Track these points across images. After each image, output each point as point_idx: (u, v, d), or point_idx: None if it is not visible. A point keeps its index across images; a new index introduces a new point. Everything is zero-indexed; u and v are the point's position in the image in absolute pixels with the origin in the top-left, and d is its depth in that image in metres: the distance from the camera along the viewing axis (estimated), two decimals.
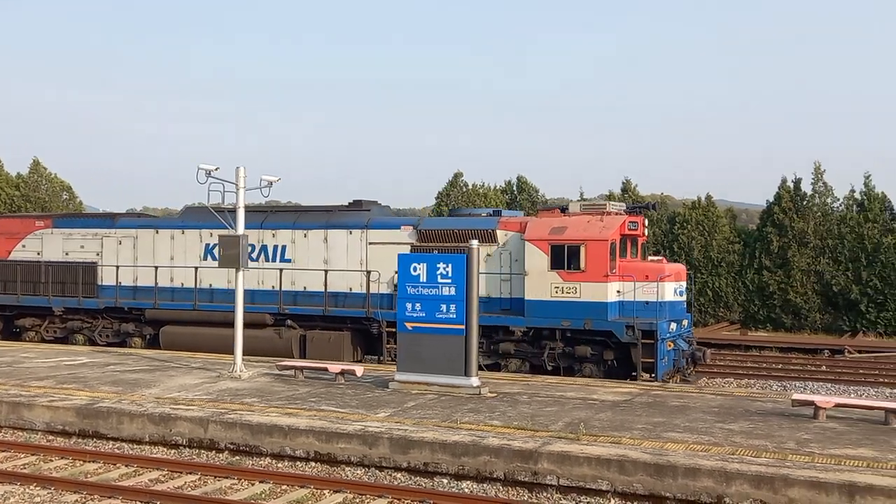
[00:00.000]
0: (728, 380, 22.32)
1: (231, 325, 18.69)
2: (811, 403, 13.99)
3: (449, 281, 15.81)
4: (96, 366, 19.21)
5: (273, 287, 22.15)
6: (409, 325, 16.16)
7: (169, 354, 21.37)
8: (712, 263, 37.22)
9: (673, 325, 19.21)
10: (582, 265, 19.02)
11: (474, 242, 16.14)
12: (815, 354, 27.85)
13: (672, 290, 19.56)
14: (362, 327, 21.39)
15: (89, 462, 12.81)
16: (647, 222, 20.79)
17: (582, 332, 19.11)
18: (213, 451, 13.38)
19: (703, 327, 34.97)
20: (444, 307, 15.81)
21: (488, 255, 20.28)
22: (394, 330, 18.03)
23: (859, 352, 27.81)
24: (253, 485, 11.68)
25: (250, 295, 22.40)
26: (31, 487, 11.50)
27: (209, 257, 22.82)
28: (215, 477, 11.99)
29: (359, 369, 17.52)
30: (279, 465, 12.84)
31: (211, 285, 22.92)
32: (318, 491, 11.37)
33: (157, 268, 23.33)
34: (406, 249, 20.52)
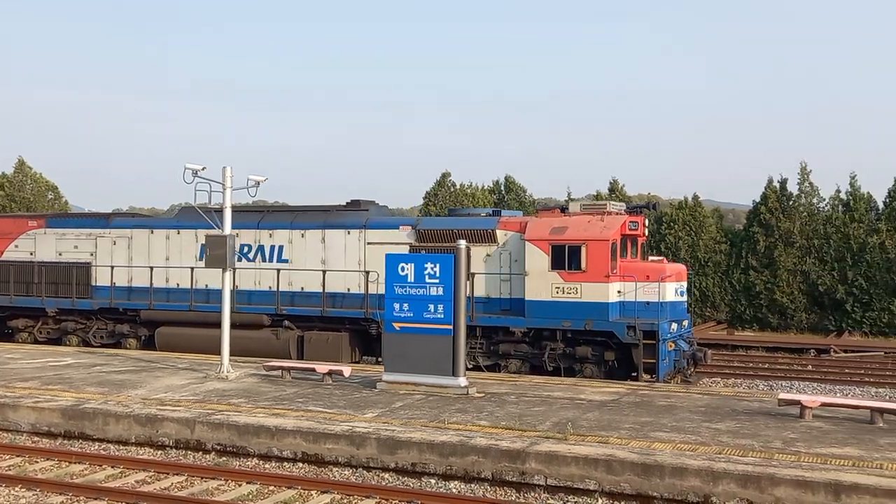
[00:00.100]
0: (715, 379, 22.40)
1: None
2: (797, 403, 14.06)
3: (437, 281, 15.79)
4: (82, 367, 19.10)
5: (270, 287, 21.97)
6: (396, 326, 16.15)
7: (156, 355, 21.25)
8: (699, 263, 37.33)
9: (674, 326, 19.19)
10: (583, 265, 18.96)
11: (462, 243, 16.12)
12: (801, 354, 27.98)
13: (673, 290, 19.55)
14: (360, 328, 21.30)
15: (75, 463, 12.73)
16: (647, 222, 20.79)
17: (583, 333, 19.04)
18: (200, 452, 13.32)
19: None
20: (431, 307, 15.80)
21: (488, 255, 20.23)
22: None
23: (845, 351, 27.97)
24: (240, 486, 11.65)
25: (247, 295, 22.33)
26: (17, 489, 11.43)
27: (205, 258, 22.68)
28: (202, 478, 11.94)
29: (346, 370, 17.50)
30: (266, 465, 12.80)
31: (207, 286, 22.58)
32: (306, 492, 11.35)
33: (152, 268, 23.10)
34: (405, 249, 20.45)
